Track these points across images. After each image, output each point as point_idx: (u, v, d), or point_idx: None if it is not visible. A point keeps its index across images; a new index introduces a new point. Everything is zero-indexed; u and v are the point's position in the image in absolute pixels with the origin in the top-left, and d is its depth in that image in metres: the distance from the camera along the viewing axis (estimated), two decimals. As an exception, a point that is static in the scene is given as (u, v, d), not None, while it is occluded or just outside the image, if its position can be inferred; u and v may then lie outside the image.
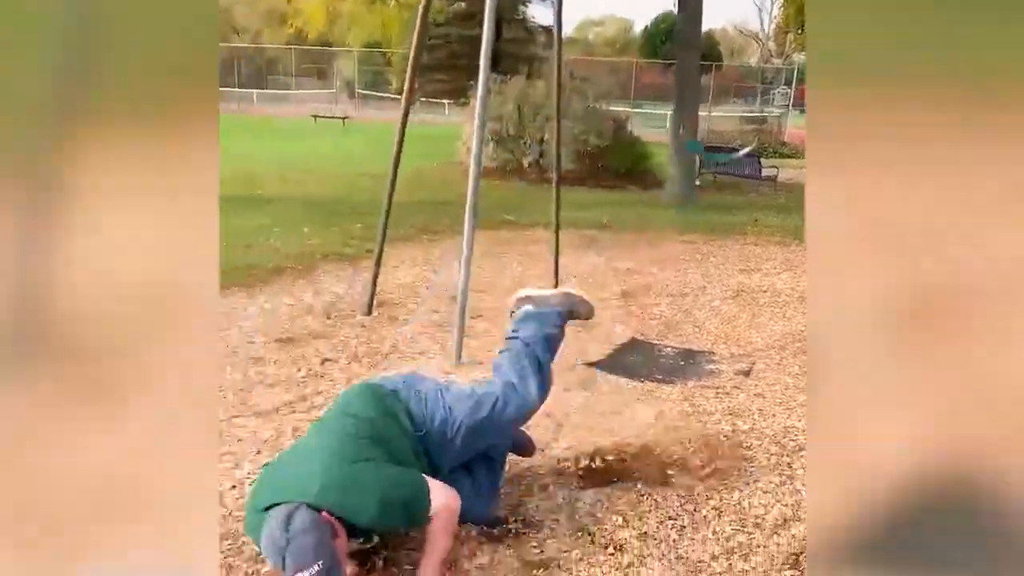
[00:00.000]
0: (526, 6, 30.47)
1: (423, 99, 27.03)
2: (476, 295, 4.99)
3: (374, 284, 5.03)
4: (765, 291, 5.93)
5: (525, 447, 2.98)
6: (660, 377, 4.11)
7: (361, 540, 2.31)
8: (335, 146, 17.37)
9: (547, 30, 28.54)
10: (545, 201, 9.50)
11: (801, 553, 2.52)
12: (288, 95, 32.64)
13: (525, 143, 12.87)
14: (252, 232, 7.39)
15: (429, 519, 2.23)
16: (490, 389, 2.61)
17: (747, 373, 4.20)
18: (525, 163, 12.90)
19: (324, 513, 2.09)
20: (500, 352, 2.82)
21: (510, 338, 2.83)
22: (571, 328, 4.80)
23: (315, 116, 23.58)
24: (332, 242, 7.05)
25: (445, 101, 27.15)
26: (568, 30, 57.95)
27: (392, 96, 30.05)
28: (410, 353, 4.32)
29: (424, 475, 2.29)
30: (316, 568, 1.99)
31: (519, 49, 27.21)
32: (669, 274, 6.42)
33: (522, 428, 2.87)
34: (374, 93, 31.71)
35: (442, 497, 2.26)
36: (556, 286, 5.47)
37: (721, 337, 4.83)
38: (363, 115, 26.81)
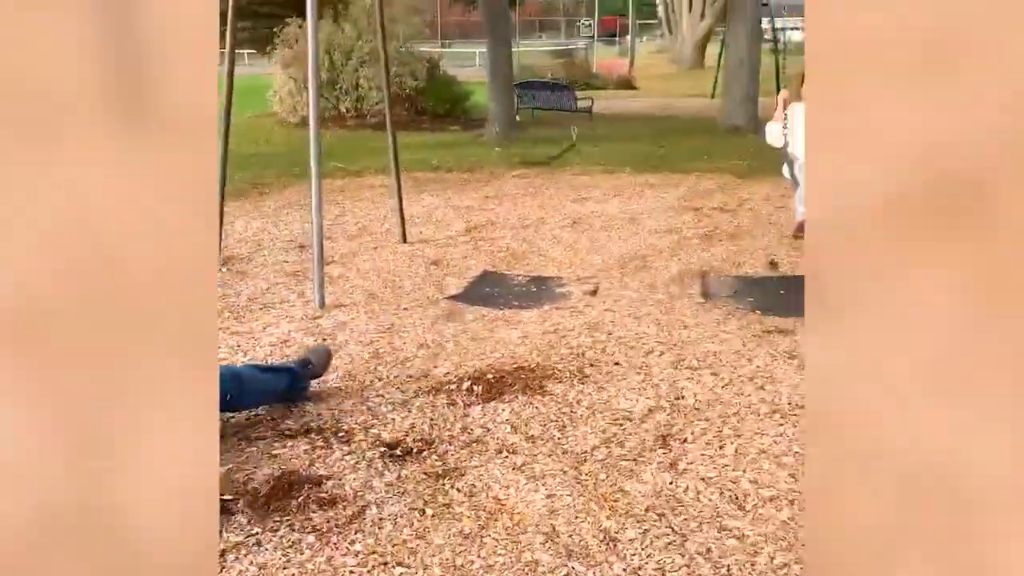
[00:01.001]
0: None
1: (222, 50, 25.41)
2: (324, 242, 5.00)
3: (219, 239, 4.91)
4: (599, 216, 6.33)
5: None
6: (517, 303, 4.37)
7: None
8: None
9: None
10: (370, 147, 9.49)
11: (667, 436, 2.87)
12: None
13: (341, 89, 12.59)
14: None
15: None
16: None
17: (594, 292, 4.54)
18: (343, 109, 12.65)
19: None
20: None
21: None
22: (428, 266, 4.98)
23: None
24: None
25: (245, 51, 25.73)
26: (365, -30, 55.95)
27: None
28: (270, 303, 4.31)
29: None
30: None
31: (319, -8, 26.14)
32: (507, 208, 6.68)
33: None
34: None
35: None
36: (404, 230, 5.57)
37: (565, 263, 5.15)
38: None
